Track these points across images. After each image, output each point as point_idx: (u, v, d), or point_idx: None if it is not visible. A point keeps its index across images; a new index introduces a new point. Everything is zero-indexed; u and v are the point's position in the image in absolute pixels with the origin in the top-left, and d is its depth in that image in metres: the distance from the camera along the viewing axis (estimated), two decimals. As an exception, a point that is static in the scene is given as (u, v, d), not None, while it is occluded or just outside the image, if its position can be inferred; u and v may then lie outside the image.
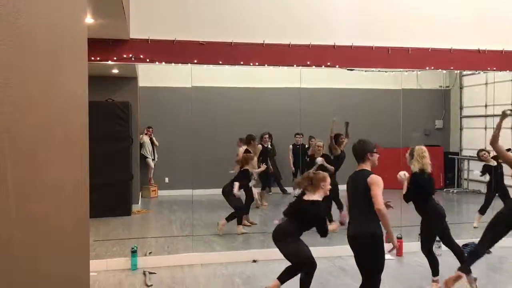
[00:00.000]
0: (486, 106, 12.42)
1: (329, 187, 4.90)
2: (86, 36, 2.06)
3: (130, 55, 6.48)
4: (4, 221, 1.03)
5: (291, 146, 10.93)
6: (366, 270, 4.18)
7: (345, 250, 5.09)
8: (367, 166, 4.28)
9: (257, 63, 6.88)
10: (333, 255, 6.72)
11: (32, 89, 1.29)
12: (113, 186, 9.32)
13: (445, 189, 13.16)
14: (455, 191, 12.66)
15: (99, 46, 6.29)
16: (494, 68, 7.64)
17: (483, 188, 9.20)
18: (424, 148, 5.68)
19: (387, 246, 4.30)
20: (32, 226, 1.25)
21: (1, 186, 1.01)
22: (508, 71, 8.01)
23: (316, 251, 5.26)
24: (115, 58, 6.49)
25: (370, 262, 4.14)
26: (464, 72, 12.66)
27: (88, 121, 2.02)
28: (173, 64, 6.70)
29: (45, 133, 1.39)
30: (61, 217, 1.57)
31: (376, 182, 4.11)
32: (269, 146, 10.06)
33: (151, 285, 5.71)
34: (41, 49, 1.39)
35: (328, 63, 7.10)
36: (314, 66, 7.10)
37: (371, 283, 4.18)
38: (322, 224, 4.78)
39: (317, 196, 4.81)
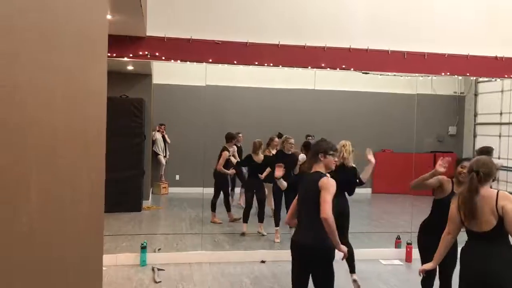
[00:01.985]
0: (501, 113, 12.29)
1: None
2: (107, 33, 2.09)
3: (146, 53, 6.52)
4: (26, 212, 1.05)
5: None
6: (320, 282, 3.85)
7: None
8: (320, 168, 3.90)
9: (271, 64, 6.88)
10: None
11: (54, 85, 1.31)
12: (125, 182, 9.38)
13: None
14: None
15: (116, 43, 6.33)
16: (511, 76, 7.56)
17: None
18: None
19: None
20: (51, 217, 1.27)
21: (25, 179, 1.03)
22: (525, 79, 7.94)
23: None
24: (131, 55, 6.53)
25: (322, 275, 3.83)
26: (480, 79, 12.54)
27: (106, 117, 2.05)
28: (188, 62, 6.73)
29: (65, 127, 1.41)
30: (78, 209, 1.60)
31: (327, 187, 3.71)
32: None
33: (160, 282, 5.75)
34: (64, 46, 1.41)
35: (343, 66, 7.08)
36: (328, 68, 7.08)
37: None
38: None
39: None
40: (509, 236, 3.28)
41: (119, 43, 6.39)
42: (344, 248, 3.80)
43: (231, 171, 8.74)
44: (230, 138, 8.77)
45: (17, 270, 1.04)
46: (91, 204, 1.84)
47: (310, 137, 11.31)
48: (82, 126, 1.63)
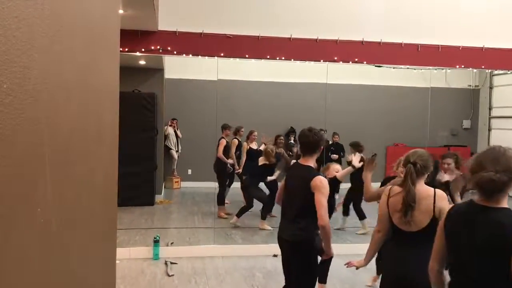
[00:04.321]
0: (516, 107, 12.12)
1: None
2: (119, 27, 2.09)
3: (158, 47, 6.53)
4: (43, 205, 1.06)
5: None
6: (303, 277, 3.77)
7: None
8: (312, 161, 3.71)
9: (283, 58, 6.85)
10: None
11: (68, 78, 1.31)
12: (138, 176, 9.44)
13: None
14: (481, 192, 12.42)
15: (128, 37, 6.35)
16: (527, 68, 7.44)
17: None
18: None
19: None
20: (65, 210, 1.28)
21: (41, 172, 1.04)
22: (541, 71, 7.81)
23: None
24: (143, 50, 6.55)
25: (306, 270, 3.73)
26: (495, 72, 12.36)
27: (118, 111, 2.05)
28: (200, 56, 6.73)
29: (80, 122, 1.41)
30: (92, 203, 1.60)
31: (321, 188, 3.50)
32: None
33: (173, 275, 5.79)
34: (78, 39, 1.42)
35: (356, 59, 7.03)
36: (341, 62, 7.04)
37: None
38: None
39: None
40: None
41: (131, 37, 6.41)
42: (333, 253, 3.78)
43: (231, 160, 8.73)
44: (224, 128, 8.84)
45: (34, 263, 1.05)
46: (105, 198, 1.85)
47: (323, 131, 11.25)
48: (96, 122, 1.63)
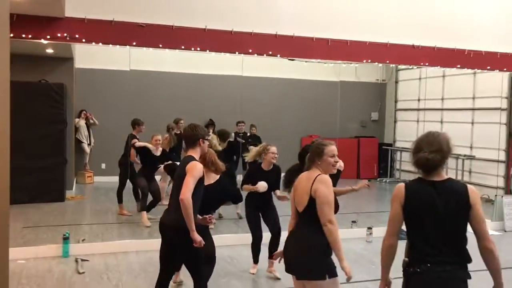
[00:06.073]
0: (419, 100, 13.02)
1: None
2: (8, 9, 1.94)
3: (65, 34, 6.19)
4: None
5: (233, 134, 10.91)
6: (191, 265, 3.94)
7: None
8: (196, 153, 3.94)
9: (199, 49, 6.79)
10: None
11: None
12: (47, 171, 8.98)
13: (378, 179, 13.72)
14: (388, 180, 13.22)
15: (31, 23, 5.98)
16: (427, 63, 7.99)
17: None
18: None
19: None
20: None
21: None
22: (439, 66, 8.43)
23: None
24: (48, 37, 6.17)
25: (189, 255, 3.87)
26: (400, 67, 13.19)
27: (9, 100, 1.92)
28: (110, 45, 6.48)
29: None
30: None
31: (191, 170, 3.73)
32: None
33: (83, 272, 5.57)
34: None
35: (270, 52, 7.13)
36: (256, 54, 7.11)
37: (200, 275, 3.94)
38: None
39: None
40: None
41: (35, 24, 6.03)
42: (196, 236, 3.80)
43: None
44: (135, 124, 8.28)
45: None
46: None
47: (241, 123, 11.46)
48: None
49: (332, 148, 3.36)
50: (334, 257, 3.27)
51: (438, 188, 2.62)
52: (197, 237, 3.69)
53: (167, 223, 3.90)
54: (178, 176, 3.90)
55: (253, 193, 5.50)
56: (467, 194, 2.59)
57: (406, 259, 2.71)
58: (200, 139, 3.93)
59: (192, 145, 3.96)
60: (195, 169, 3.74)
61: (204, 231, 4.03)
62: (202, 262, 3.95)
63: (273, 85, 13.02)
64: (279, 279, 5.47)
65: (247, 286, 5.44)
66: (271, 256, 5.74)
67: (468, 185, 2.67)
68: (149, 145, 7.72)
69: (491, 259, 2.58)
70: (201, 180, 3.82)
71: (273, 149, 5.52)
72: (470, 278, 2.64)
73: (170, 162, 7.20)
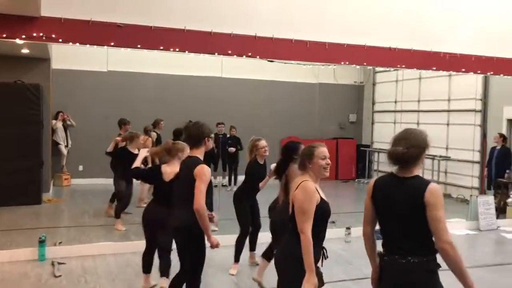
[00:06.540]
0: (395, 102, 13.22)
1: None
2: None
3: (41, 34, 6.08)
4: None
5: (213, 135, 10.88)
6: (188, 263, 3.92)
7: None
8: (200, 153, 3.94)
9: (178, 49, 6.75)
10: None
11: None
12: (22, 173, 8.81)
13: (356, 179, 13.87)
14: (365, 181, 13.36)
15: (6, 22, 5.85)
16: (403, 66, 8.12)
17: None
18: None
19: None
20: None
21: None
22: (415, 68, 8.57)
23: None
24: (24, 36, 6.05)
25: (192, 256, 3.88)
26: (377, 69, 13.37)
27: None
28: (88, 45, 6.39)
29: None
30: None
31: (201, 175, 3.73)
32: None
33: (60, 276, 5.47)
34: None
35: (249, 54, 7.14)
36: (235, 56, 7.11)
37: (194, 276, 3.93)
38: None
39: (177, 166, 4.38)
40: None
41: (10, 23, 5.90)
42: (214, 240, 3.87)
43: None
44: (121, 123, 8.44)
45: None
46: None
47: (221, 125, 11.47)
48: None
49: (323, 150, 3.24)
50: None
51: (403, 184, 2.70)
52: (214, 240, 3.81)
53: (179, 225, 3.87)
54: (184, 177, 3.88)
55: (246, 186, 5.64)
56: (423, 193, 2.60)
57: (380, 250, 2.82)
58: (206, 138, 3.95)
59: (197, 144, 3.95)
60: (204, 174, 3.75)
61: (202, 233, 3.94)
62: (203, 263, 3.94)
63: (253, 87, 13.05)
64: (257, 265, 5.50)
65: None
66: (252, 248, 5.77)
67: (430, 185, 2.65)
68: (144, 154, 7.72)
69: (446, 259, 2.57)
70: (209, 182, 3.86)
71: (261, 143, 5.60)
72: (439, 267, 2.67)
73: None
